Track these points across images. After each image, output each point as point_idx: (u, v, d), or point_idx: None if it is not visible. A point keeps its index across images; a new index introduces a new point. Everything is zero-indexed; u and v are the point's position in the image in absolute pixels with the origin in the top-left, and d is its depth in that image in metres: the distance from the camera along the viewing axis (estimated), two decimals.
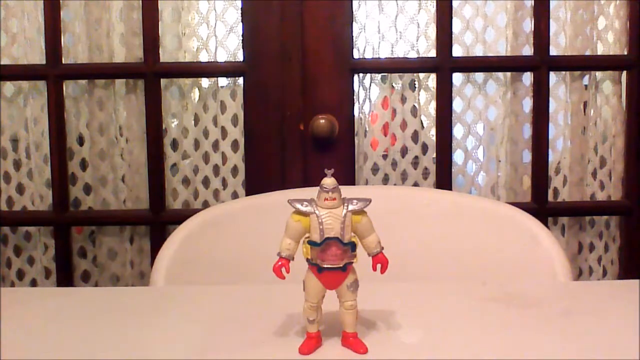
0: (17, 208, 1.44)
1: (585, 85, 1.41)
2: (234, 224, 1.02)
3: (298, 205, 0.54)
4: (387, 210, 0.89)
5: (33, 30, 1.39)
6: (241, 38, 1.37)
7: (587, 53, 1.39)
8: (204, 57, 1.41)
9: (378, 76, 1.40)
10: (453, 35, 1.35)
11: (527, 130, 1.41)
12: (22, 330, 0.63)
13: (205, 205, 1.42)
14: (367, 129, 1.41)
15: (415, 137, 1.41)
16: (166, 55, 1.39)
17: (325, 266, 0.54)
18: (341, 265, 0.54)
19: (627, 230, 1.41)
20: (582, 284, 1.06)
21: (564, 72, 1.40)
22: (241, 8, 1.36)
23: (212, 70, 1.42)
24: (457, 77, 1.39)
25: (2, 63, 1.38)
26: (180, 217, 1.06)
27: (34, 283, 1.46)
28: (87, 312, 0.69)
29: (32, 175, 1.43)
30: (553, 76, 1.39)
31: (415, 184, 1.41)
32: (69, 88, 1.41)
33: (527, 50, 1.38)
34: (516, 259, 0.92)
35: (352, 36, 1.36)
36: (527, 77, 1.39)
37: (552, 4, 1.35)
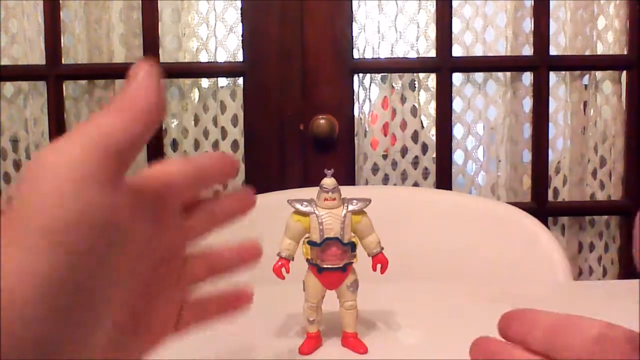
0: None
1: (585, 85, 1.41)
2: (234, 224, 1.01)
3: (298, 206, 0.54)
4: (387, 211, 0.89)
5: (33, 31, 1.39)
6: (241, 38, 1.37)
7: (587, 53, 1.39)
8: (203, 58, 1.41)
9: (378, 76, 1.41)
10: (453, 35, 1.35)
11: (527, 130, 1.41)
12: None
13: None
14: (367, 129, 1.41)
15: (415, 137, 1.41)
16: (166, 55, 1.39)
17: (325, 266, 0.54)
18: (341, 266, 0.54)
19: (627, 230, 1.41)
20: (582, 284, 1.06)
21: (563, 72, 1.40)
22: (241, 8, 1.36)
23: (212, 70, 1.42)
24: (457, 77, 1.39)
25: (2, 63, 1.38)
26: None
27: None
28: None
29: None
30: (553, 76, 1.39)
31: (415, 184, 1.41)
32: (69, 88, 1.41)
33: (527, 50, 1.38)
34: (516, 259, 0.92)
35: (352, 36, 1.36)
36: (527, 77, 1.39)
37: (551, 4, 1.35)
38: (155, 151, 1.37)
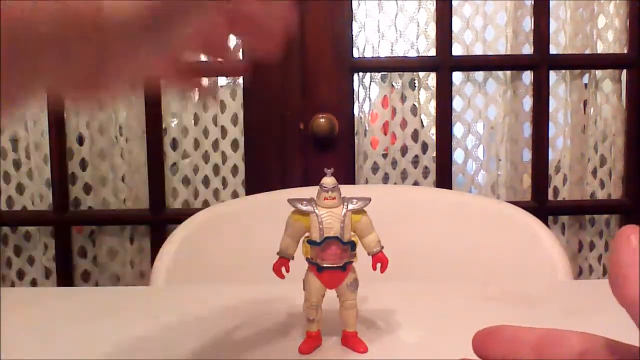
0: (17, 208, 1.44)
1: (585, 84, 1.41)
2: (234, 224, 1.02)
3: (298, 205, 0.54)
4: (387, 210, 0.89)
5: None
6: None
7: (587, 51, 1.39)
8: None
9: (378, 75, 1.40)
10: (453, 34, 1.35)
11: (527, 129, 1.41)
12: (22, 330, 0.63)
13: (205, 204, 1.42)
14: (367, 128, 1.41)
15: (415, 136, 1.41)
16: None
17: (325, 265, 0.54)
18: (341, 265, 0.54)
19: None
20: (583, 283, 1.06)
21: (563, 71, 1.40)
22: None
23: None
24: (457, 76, 1.39)
25: None
26: (180, 216, 1.06)
27: (34, 283, 1.46)
28: (87, 312, 0.69)
29: (32, 175, 1.43)
30: (553, 75, 1.39)
31: (416, 183, 1.41)
32: None
33: (527, 49, 1.38)
34: (516, 258, 0.92)
35: (352, 35, 1.36)
36: (527, 76, 1.39)
37: (552, 3, 1.35)
38: (155, 150, 1.37)
